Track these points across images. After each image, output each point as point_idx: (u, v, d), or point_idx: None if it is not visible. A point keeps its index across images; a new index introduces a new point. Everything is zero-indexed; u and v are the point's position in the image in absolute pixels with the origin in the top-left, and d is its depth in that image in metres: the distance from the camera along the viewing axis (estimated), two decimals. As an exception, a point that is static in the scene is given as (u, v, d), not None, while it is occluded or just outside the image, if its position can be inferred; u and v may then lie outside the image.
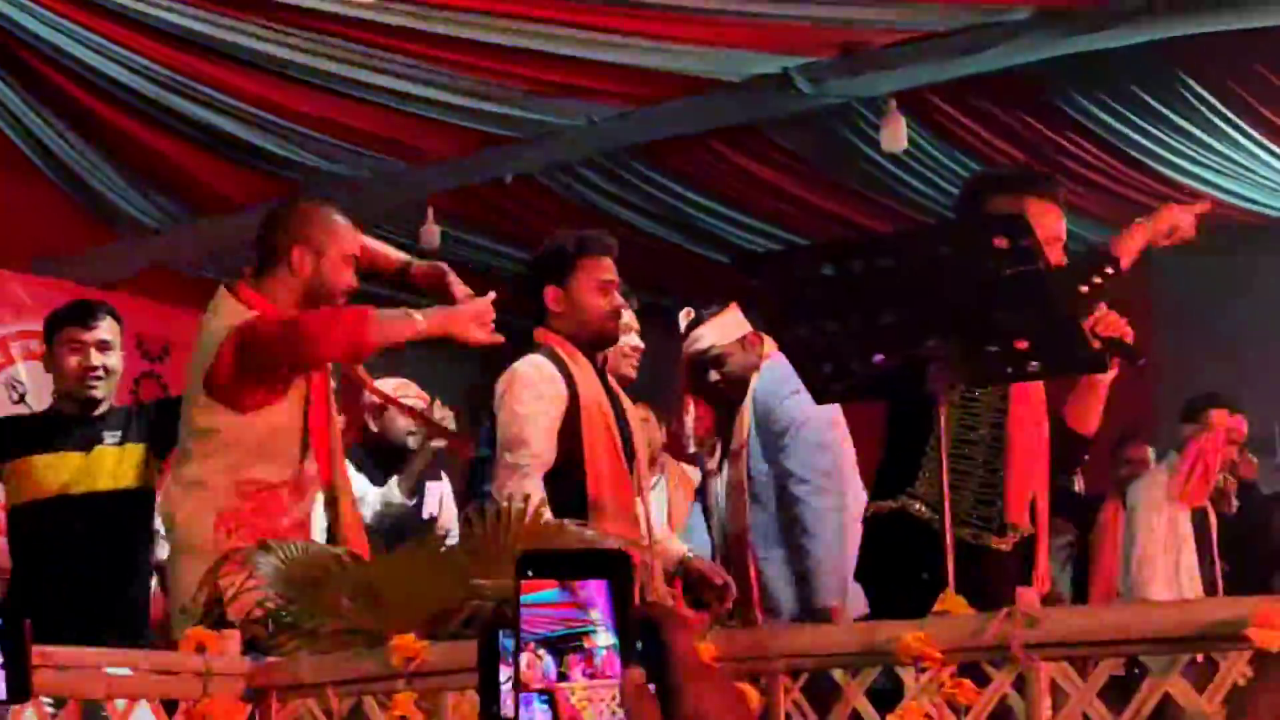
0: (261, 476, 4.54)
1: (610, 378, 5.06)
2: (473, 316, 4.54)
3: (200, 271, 9.46)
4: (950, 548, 3.55)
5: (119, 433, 5.42)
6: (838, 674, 3.00)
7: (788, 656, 2.99)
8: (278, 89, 7.74)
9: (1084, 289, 4.05)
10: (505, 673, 1.51)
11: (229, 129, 8.03)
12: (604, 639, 1.28)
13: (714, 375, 5.49)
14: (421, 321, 4.60)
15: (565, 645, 1.27)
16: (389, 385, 6.14)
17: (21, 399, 8.96)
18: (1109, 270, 4.23)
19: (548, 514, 4.22)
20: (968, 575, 3.50)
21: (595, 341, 4.93)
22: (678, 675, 1.32)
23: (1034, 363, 3.69)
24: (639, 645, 1.36)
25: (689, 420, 5.63)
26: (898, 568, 4.14)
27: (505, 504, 3.90)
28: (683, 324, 5.56)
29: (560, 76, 7.54)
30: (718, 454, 5.64)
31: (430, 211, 8.75)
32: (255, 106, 7.87)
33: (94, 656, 3.54)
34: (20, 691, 1.80)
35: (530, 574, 1.29)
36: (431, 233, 8.76)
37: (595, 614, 1.28)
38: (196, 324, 4.71)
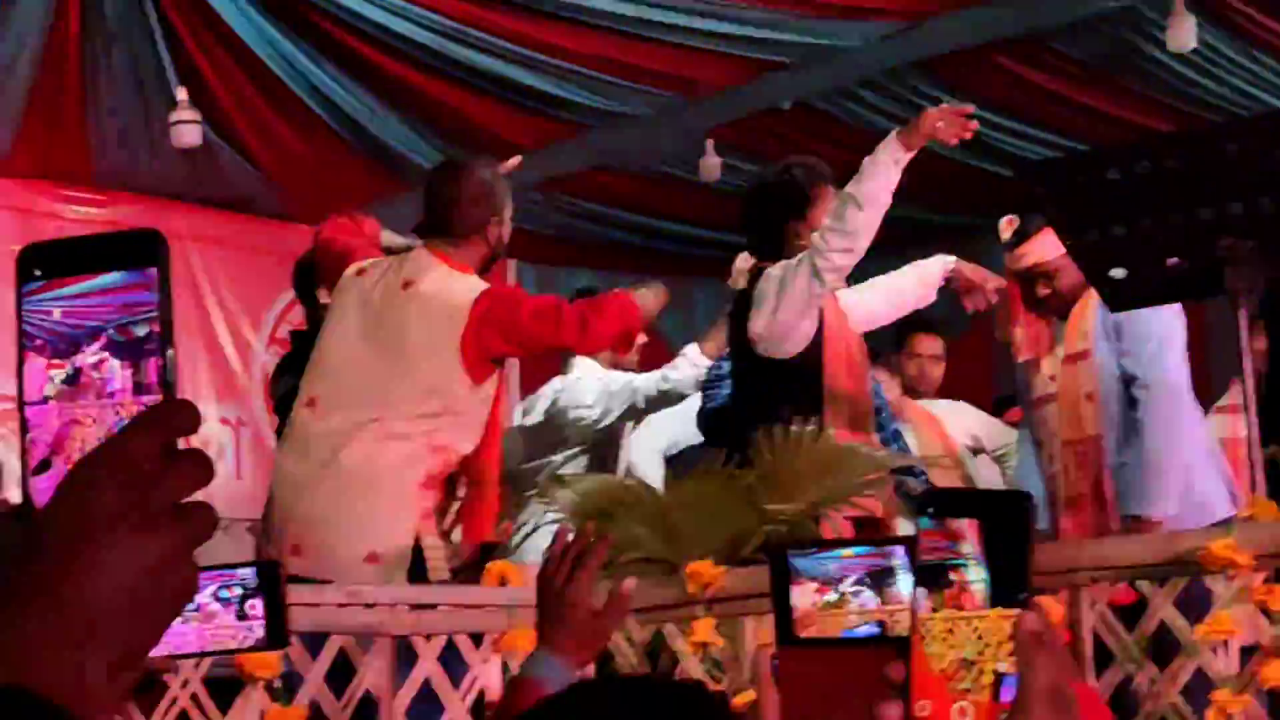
0: (455, 446, 4.53)
1: None
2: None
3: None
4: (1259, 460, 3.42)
5: None
6: (1143, 585, 2.93)
7: (1090, 569, 2.92)
8: (555, 31, 7.79)
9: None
10: (797, 594, 1.50)
11: (509, 74, 8.11)
12: (975, 574, 1.23)
13: (1043, 290, 5.40)
14: (656, 299, 4.74)
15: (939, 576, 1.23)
16: None
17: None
18: None
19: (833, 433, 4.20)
20: None
21: None
22: (1029, 702, 1.22)
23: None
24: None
25: (1019, 332, 5.57)
26: None
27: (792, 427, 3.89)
28: (1005, 233, 5.50)
29: (834, -2, 7.47)
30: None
31: (710, 144, 8.73)
32: (534, 50, 7.94)
33: (398, 593, 3.64)
34: (279, 638, 1.85)
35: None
36: (712, 165, 8.76)
37: (966, 547, 1.24)
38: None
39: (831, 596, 1.41)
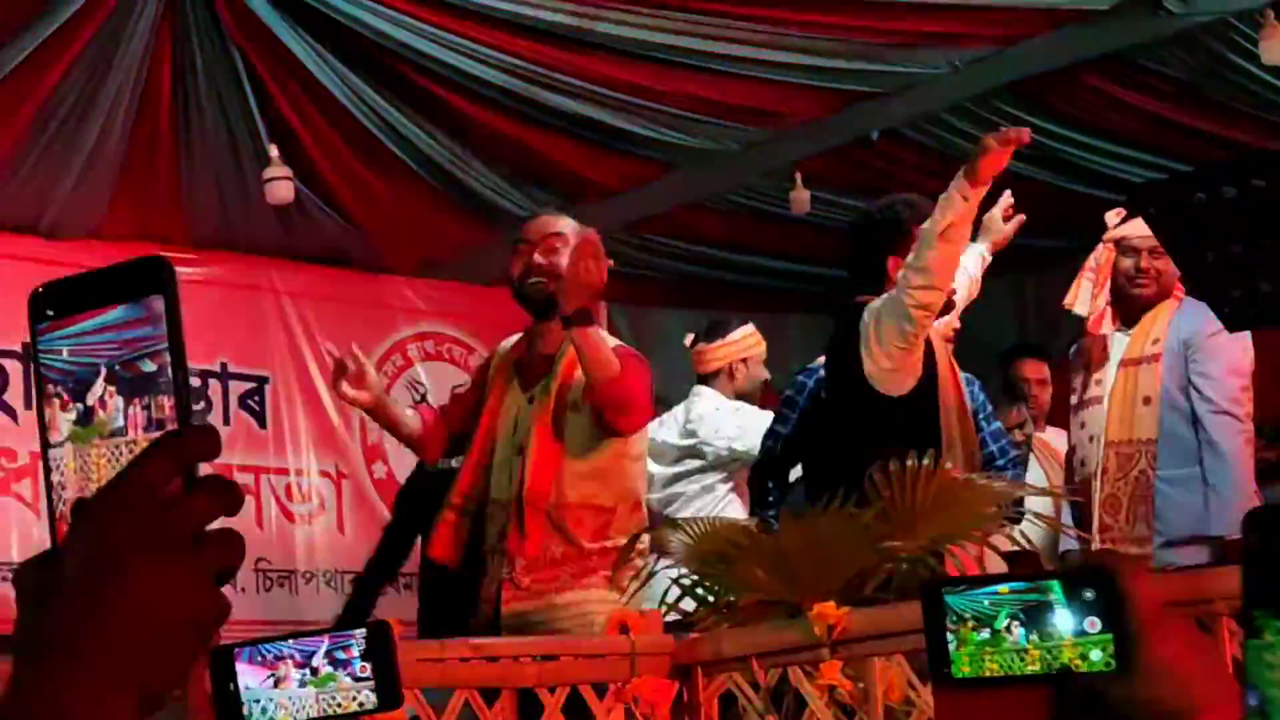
0: None
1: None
2: None
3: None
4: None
5: None
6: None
7: (1228, 599, 2.85)
8: (639, 71, 7.79)
9: None
10: (952, 632, 1.46)
11: (594, 115, 8.12)
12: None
13: (1149, 265, 5.42)
14: None
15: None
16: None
17: (423, 398, 9.25)
18: None
19: (950, 468, 4.15)
20: None
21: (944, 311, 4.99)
22: (1138, 623, 1.27)
23: None
24: (1089, 594, 1.31)
25: (1096, 302, 5.58)
26: None
27: (910, 463, 3.84)
28: (1112, 223, 5.51)
29: (918, 24, 7.41)
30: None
31: (799, 177, 8.70)
32: (618, 90, 7.94)
33: (520, 646, 3.62)
34: (391, 699, 1.83)
35: None
36: (801, 199, 8.72)
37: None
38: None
39: (985, 635, 1.38)
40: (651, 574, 4.27)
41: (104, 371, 1.08)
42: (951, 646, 1.37)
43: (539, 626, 4.64)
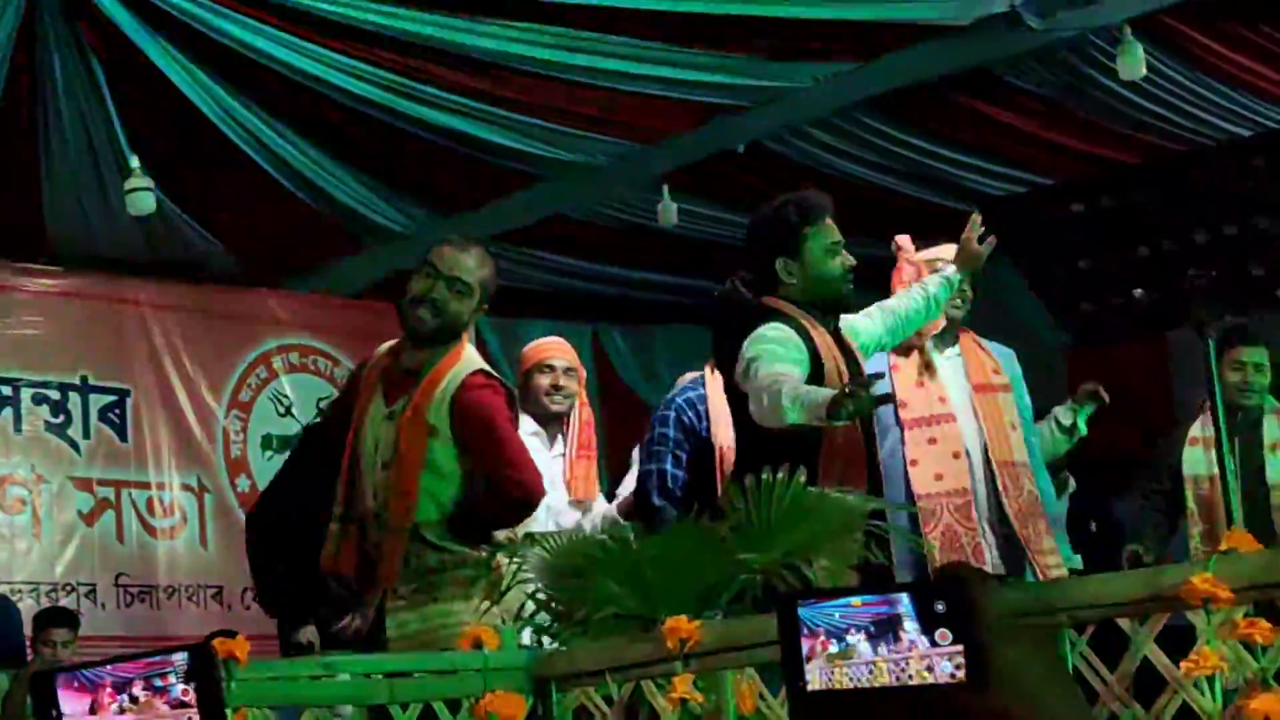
0: None
1: (847, 339, 4.98)
2: None
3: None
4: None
5: None
6: (1124, 623, 2.89)
7: (1070, 609, 2.89)
8: (507, 84, 7.79)
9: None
10: (807, 645, 1.47)
11: (462, 128, 8.10)
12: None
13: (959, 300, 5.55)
14: None
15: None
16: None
17: (288, 411, 9.19)
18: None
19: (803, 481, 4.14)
20: None
21: (831, 305, 4.85)
22: (988, 635, 1.27)
23: (1303, 283, 3.53)
24: (940, 606, 1.32)
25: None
26: None
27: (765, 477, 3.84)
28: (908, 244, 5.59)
29: (783, 40, 7.46)
30: None
31: (665, 189, 8.74)
32: (486, 103, 7.93)
33: (371, 664, 3.59)
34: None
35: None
36: (668, 210, 8.76)
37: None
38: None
39: (836, 648, 1.39)
40: (506, 589, 4.24)
41: None
42: (805, 659, 1.38)
43: (420, 635, 4.63)
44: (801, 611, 1.39)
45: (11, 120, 7.65)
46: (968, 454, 5.33)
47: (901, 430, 5.27)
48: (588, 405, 6.12)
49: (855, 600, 1.37)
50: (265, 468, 9.08)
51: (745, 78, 7.77)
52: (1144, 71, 7.34)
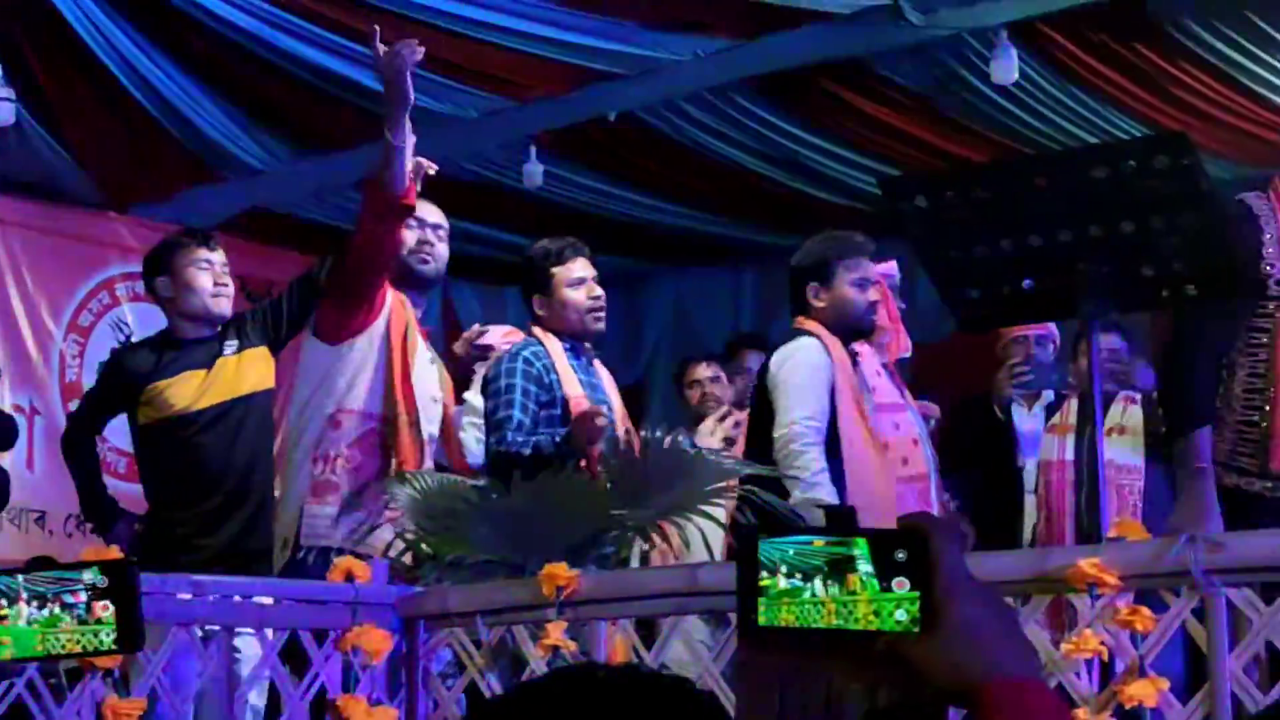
0: None
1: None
2: None
3: (303, 212, 9.49)
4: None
5: (235, 341, 5.45)
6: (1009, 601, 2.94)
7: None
8: (381, 25, 7.67)
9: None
10: (761, 579, 1.47)
11: (333, 67, 7.98)
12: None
13: None
14: None
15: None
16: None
17: (128, 340, 9.00)
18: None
19: (684, 441, 4.18)
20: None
21: (854, 331, 5.36)
22: (944, 585, 1.29)
23: (1190, 286, 3.61)
24: (901, 555, 1.32)
25: None
26: None
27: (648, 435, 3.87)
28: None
29: (667, 11, 7.45)
30: None
31: (533, 149, 8.69)
32: (358, 41, 7.82)
33: (244, 587, 3.55)
34: (131, 641, 1.79)
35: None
36: (534, 171, 8.72)
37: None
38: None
39: (786, 584, 1.39)
40: (375, 526, 4.22)
41: None
42: (759, 594, 1.38)
43: None
44: (761, 545, 1.39)
45: None
46: (921, 441, 5.51)
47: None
48: None
49: (818, 540, 1.37)
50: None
51: (625, 45, 7.74)
52: (1015, 76, 7.44)
